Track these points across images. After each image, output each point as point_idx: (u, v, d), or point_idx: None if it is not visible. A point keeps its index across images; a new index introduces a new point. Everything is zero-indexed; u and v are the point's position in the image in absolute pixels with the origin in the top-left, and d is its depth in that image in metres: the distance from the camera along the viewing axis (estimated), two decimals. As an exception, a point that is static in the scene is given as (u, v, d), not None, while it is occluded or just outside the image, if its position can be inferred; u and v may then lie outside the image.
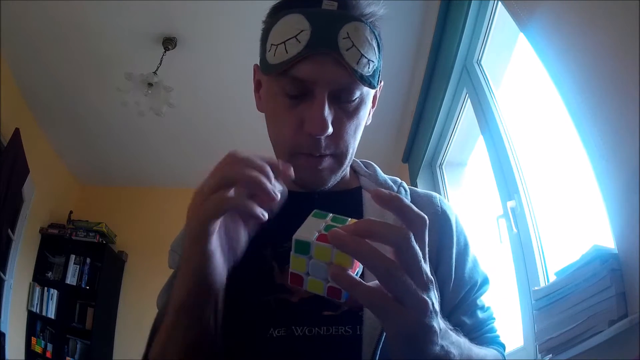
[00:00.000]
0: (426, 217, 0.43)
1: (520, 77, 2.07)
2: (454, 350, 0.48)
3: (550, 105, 1.51)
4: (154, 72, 2.71)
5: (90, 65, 3.02)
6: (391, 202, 0.42)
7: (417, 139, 2.93)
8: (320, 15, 0.61)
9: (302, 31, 0.60)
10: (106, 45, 2.87)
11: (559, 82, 1.34)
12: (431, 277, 0.42)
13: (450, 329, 0.50)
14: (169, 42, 2.79)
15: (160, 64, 2.77)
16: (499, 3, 1.87)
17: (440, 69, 2.39)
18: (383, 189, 0.43)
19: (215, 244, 0.49)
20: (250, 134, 3.51)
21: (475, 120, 2.19)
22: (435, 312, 0.43)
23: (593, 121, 1.19)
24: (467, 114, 2.44)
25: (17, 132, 2.99)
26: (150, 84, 2.68)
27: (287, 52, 0.60)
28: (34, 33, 2.79)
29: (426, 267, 0.42)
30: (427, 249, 0.43)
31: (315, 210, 0.46)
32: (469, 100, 2.29)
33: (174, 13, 2.67)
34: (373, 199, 0.42)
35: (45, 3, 2.59)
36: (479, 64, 2.19)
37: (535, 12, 1.46)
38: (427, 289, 0.41)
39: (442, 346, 0.45)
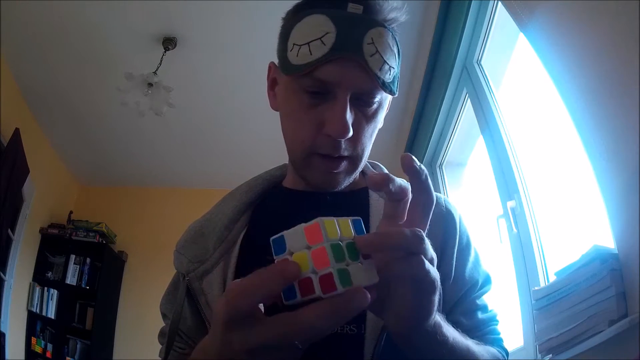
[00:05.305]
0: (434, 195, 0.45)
1: (520, 77, 2.07)
2: (446, 331, 0.49)
3: (551, 105, 1.51)
4: (154, 72, 2.71)
5: (90, 65, 3.02)
6: (384, 182, 0.43)
7: (417, 139, 2.93)
8: (346, 18, 0.60)
9: (327, 33, 0.59)
10: (106, 45, 2.87)
11: (559, 82, 1.34)
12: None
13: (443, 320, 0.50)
14: (169, 42, 2.79)
15: (160, 64, 2.77)
16: (499, 3, 1.87)
17: (440, 69, 2.39)
18: (375, 173, 0.44)
19: None
20: (250, 134, 3.53)
21: (475, 120, 2.19)
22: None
23: (593, 121, 1.19)
24: (467, 114, 2.44)
25: (17, 132, 2.99)
26: (150, 84, 2.68)
27: (311, 54, 0.60)
28: (34, 33, 2.79)
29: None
30: (427, 226, 0.45)
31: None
32: (469, 100, 2.29)
33: (174, 13, 2.67)
34: (369, 186, 0.42)
35: (45, 3, 2.58)
36: (479, 64, 2.19)
37: (535, 12, 1.46)
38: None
39: (436, 321, 0.46)
